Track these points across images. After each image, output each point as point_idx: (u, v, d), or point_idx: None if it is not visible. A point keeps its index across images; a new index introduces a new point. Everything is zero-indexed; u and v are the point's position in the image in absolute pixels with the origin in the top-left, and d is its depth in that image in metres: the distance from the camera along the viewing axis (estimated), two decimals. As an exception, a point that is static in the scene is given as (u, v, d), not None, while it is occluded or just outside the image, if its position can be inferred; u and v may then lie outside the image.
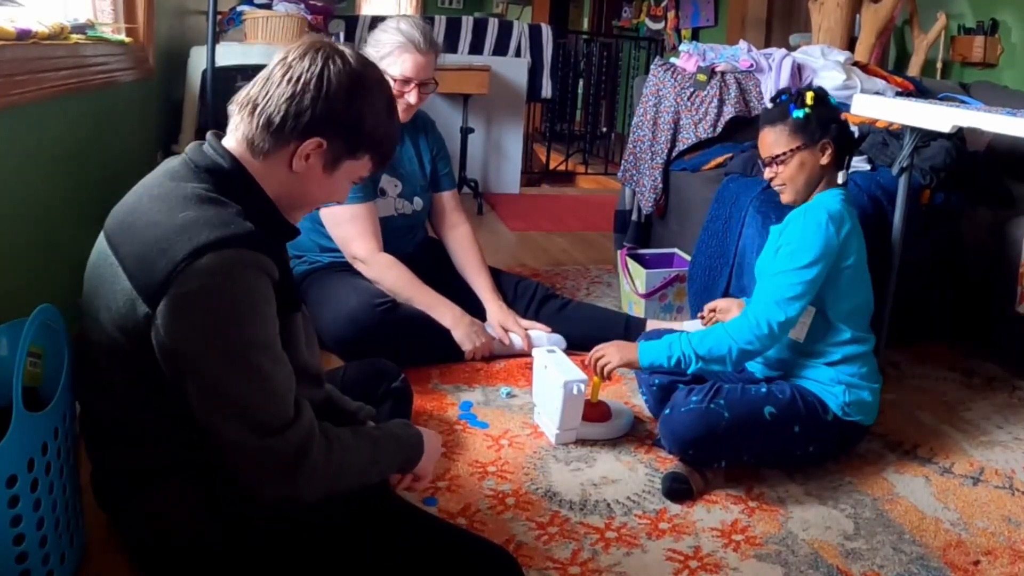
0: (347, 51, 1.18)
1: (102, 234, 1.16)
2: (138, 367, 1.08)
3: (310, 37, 1.16)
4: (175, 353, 1.04)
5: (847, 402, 1.74)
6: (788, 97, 1.81)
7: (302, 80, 1.13)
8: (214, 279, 1.02)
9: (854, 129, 2.67)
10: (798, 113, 1.76)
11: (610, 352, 1.82)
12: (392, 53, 2.22)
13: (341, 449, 1.15)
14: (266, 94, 1.14)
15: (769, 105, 1.87)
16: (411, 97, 2.26)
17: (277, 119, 1.13)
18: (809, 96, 1.77)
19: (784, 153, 1.78)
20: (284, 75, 1.14)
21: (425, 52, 2.24)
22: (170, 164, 1.18)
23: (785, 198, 1.82)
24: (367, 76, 1.18)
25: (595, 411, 1.91)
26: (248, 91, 1.17)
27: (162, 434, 1.14)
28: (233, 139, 1.18)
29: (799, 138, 1.77)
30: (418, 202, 2.44)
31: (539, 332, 2.36)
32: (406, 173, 2.42)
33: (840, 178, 1.84)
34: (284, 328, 1.13)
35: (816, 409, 1.73)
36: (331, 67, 1.14)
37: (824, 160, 1.78)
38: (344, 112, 1.15)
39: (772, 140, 1.80)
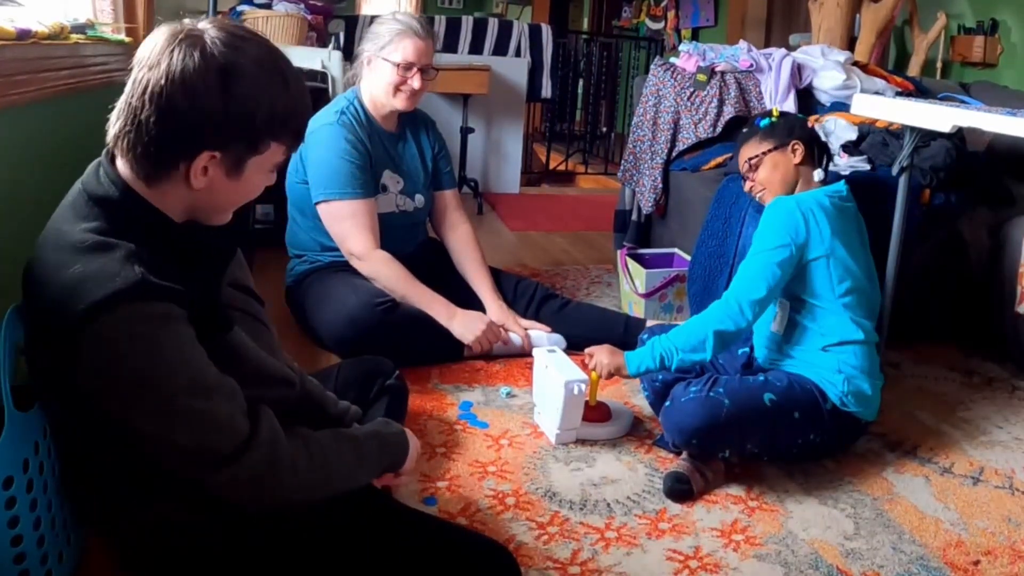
0: (208, 34, 1.02)
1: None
2: (87, 418, 1.06)
3: (164, 28, 1.03)
4: (105, 419, 1.02)
5: (845, 392, 1.74)
6: (758, 119, 1.97)
7: (164, 93, 0.99)
8: (113, 347, 0.96)
9: (853, 129, 2.68)
10: (764, 122, 1.94)
11: (600, 357, 1.85)
12: (392, 41, 2.25)
13: (321, 450, 1.14)
14: (133, 120, 1.01)
15: (743, 131, 2.01)
16: (415, 82, 2.27)
17: (153, 148, 1.02)
18: (775, 111, 1.97)
19: (756, 156, 1.92)
20: (144, 92, 1.00)
21: (424, 37, 2.27)
22: (72, 194, 1.09)
23: (766, 202, 1.89)
24: (239, 57, 1.02)
25: (595, 412, 1.91)
26: (116, 121, 1.05)
27: (141, 461, 1.11)
28: (121, 166, 1.07)
29: (769, 142, 1.92)
30: (419, 199, 2.44)
31: (539, 332, 2.36)
32: (408, 170, 2.42)
33: (816, 176, 1.91)
34: (219, 349, 1.07)
35: (814, 396, 1.74)
36: (190, 64, 0.99)
37: (796, 159, 1.89)
38: (223, 112, 1.01)
39: (745, 152, 1.96)
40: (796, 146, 1.90)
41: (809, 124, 2.00)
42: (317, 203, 2.26)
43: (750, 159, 1.93)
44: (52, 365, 1.03)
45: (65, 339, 0.97)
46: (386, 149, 2.37)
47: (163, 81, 0.99)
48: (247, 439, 1.06)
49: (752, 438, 1.72)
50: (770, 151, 1.91)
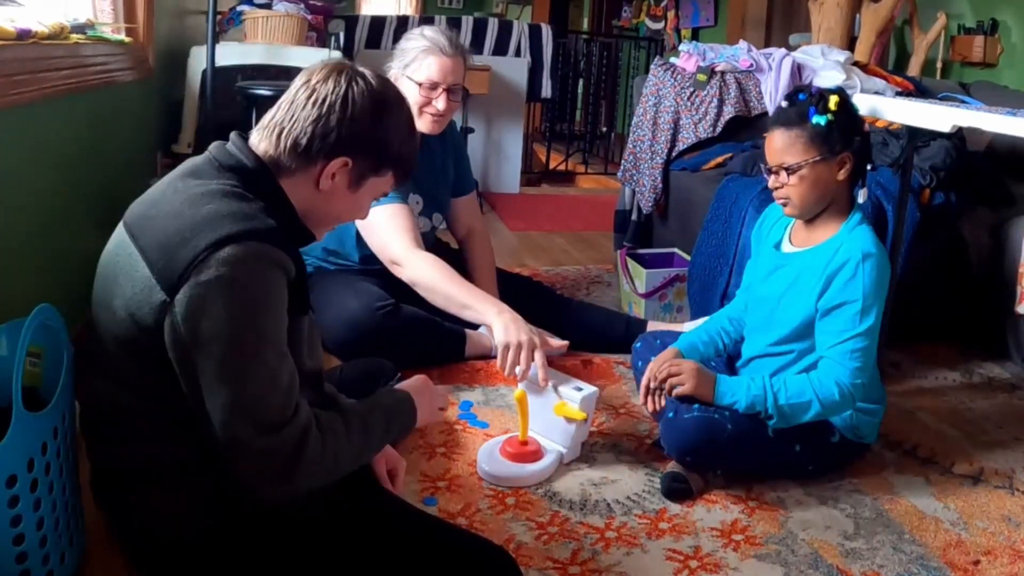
0: (368, 72, 1.23)
1: (121, 225, 1.19)
2: (148, 357, 1.09)
3: (332, 60, 1.25)
4: (188, 341, 1.05)
5: (854, 425, 1.72)
6: (808, 98, 1.58)
7: (327, 102, 1.17)
8: (233, 269, 1.04)
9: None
10: (819, 119, 1.54)
11: (687, 377, 1.63)
12: (417, 59, 2.15)
13: (335, 438, 1.16)
14: (292, 117, 1.18)
15: (784, 104, 1.63)
16: (439, 103, 2.16)
17: (304, 141, 1.17)
18: (833, 100, 1.55)
19: (798, 164, 1.57)
20: (309, 98, 1.18)
21: (451, 55, 2.15)
22: (192, 163, 1.21)
23: (788, 211, 1.66)
24: (388, 95, 1.23)
25: (524, 451, 1.73)
26: (273, 115, 1.21)
27: (167, 430, 1.14)
28: (258, 149, 1.20)
29: (817, 149, 1.56)
30: (437, 218, 2.40)
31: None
32: (430, 188, 2.35)
33: (861, 197, 1.63)
34: (291, 329, 1.14)
35: (821, 429, 1.70)
36: (355, 88, 1.19)
37: (841, 176, 1.59)
38: (369, 131, 1.20)
39: (784, 145, 1.58)
40: (846, 160, 1.56)
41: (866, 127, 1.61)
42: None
43: (788, 165, 1.57)
44: (141, 298, 1.07)
45: (183, 264, 1.04)
46: None
47: (328, 93, 1.18)
48: (289, 418, 1.09)
49: (747, 463, 1.70)
50: (816, 161, 1.55)
